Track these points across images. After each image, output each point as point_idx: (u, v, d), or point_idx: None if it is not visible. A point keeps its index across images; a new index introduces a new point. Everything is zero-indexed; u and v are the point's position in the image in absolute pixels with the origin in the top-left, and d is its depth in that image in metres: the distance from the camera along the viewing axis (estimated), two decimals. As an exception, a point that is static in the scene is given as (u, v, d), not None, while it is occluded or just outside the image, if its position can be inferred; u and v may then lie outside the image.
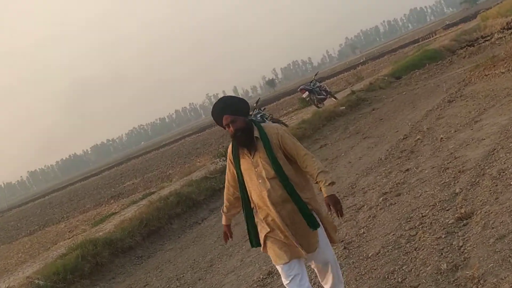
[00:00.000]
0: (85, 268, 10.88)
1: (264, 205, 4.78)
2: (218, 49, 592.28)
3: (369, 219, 7.90)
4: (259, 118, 21.23)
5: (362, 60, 78.16)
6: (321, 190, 4.79)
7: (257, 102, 23.89)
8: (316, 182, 4.80)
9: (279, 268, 4.89)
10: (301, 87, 25.16)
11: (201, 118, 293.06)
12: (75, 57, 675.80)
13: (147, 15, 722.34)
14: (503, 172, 7.33)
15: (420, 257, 5.97)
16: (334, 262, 5.04)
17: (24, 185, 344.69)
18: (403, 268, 5.92)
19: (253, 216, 4.95)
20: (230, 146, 5.02)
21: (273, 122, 21.32)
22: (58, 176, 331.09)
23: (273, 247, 4.84)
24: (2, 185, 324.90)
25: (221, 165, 16.09)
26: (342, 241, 7.44)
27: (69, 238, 15.23)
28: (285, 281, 4.86)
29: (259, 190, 4.77)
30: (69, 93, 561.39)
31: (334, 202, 4.72)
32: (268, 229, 4.82)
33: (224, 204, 5.24)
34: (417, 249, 6.21)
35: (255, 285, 7.32)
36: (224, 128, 4.85)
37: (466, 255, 5.54)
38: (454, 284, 5.10)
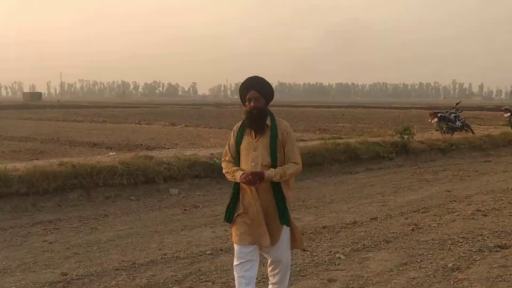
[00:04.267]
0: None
1: (248, 187, 4.58)
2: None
3: (445, 223, 8.80)
4: (452, 117, 21.60)
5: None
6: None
7: (457, 104, 23.92)
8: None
9: (236, 247, 4.71)
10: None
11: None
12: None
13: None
14: None
15: (448, 254, 6.92)
16: (287, 264, 4.86)
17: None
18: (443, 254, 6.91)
19: (238, 193, 4.71)
20: (238, 124, 4.84)
21: (463, 125, 21.35)
22: (300, 95, 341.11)
23: (238, 227, 4.67)
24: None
25: (394, 139, 16.75)
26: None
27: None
28: (235, 262, 4.70)
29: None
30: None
31: (256, 174, 4.47)
32: (242, 210, 4.66)
33: (228, 166, 4.76)
34: (451, 249, 7.14)
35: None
36: (244, 103, 4.73)
37: (473, 265, 6.51)
38: (447, 279, 6.06)
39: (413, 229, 8.18)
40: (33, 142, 21.36)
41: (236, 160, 4.74)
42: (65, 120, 37.60)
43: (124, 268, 6.40)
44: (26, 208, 9.40)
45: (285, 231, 4.70)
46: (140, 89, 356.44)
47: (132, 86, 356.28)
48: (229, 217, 4.76)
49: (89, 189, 10.27)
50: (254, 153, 4.62)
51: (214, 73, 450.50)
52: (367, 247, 7.24)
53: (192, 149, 14.79)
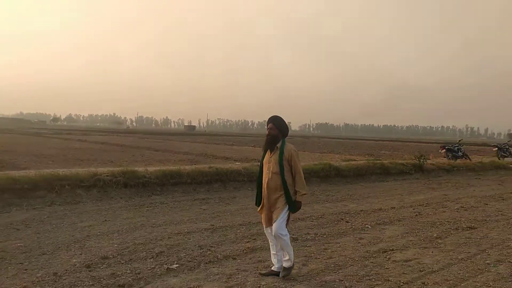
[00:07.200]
0: (320, 174, 13.16)
1: (265, 187, 4.80)
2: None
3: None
4: (456, 148, 21.20)
5: None
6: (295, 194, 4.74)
7: (459, 140, 23.40)
8: (295, 191, 4.73)
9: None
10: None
11: None
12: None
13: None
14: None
15: (436, 229, 7.41)
16: (286, 238, 4.70)
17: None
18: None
19: (261, 187, 4.88)
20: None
21: (463, 154, 20.88)
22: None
23: (263, 214, 4.91)
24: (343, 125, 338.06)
25: (413, 162, 16.96)
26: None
27: (326, 160, 17.52)
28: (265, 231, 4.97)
29: (265, 177, 4.82)
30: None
31: (299, 205, 4.71)
32: (264, 201, 4.84)
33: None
34: (438, 227, 7.62)
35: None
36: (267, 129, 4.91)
37: (449, 236, 6.99)
38: (431, 242, 6.66)
39: (416, 215, 8.67)
40: (190, 155, 22.92)
41: (260, 169, 4.98)
42: (209, 143, 39.61)
43: (244, 224, 7.39)
44: (189, 191, 10.60)
45: (284, 213, 4.72)
46: (255, 125, 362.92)
47: (250, 123, 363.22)
48: (258, 203, 4.95)
49: (225, 182, 11.40)
50: (269, 164, 4.80)
51: (303, 112, 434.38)
52: (386, 223, 7.84)
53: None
